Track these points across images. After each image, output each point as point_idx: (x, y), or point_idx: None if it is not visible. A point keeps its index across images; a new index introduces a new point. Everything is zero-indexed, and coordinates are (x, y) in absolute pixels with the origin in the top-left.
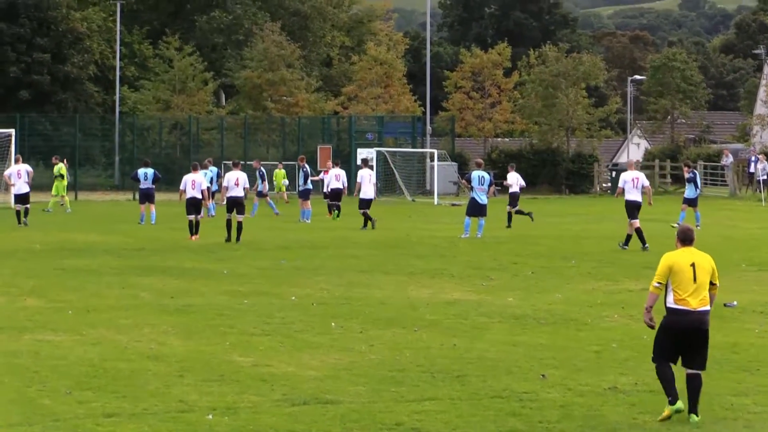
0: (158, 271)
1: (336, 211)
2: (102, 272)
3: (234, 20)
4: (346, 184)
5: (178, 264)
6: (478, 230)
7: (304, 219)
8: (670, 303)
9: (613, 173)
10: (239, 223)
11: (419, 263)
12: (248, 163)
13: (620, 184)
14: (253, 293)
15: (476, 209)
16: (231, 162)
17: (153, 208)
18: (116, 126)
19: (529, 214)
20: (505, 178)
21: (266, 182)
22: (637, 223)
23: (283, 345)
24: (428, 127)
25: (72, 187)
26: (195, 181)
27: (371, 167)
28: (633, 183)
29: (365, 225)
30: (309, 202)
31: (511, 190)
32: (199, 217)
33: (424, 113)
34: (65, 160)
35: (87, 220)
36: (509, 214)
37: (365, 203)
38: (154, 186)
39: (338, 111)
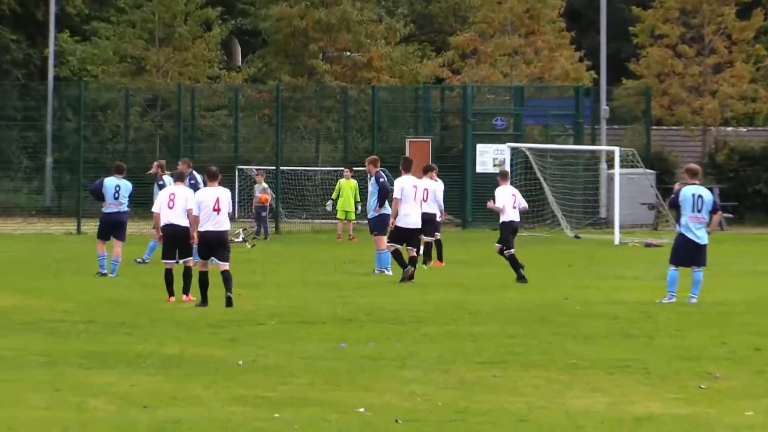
0: (122, 359)
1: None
2: (23, 363)
3: None
4: (442, 206)
5: (157, 347)
6: (692, 289)
7: (382, 268)
8: None
9: None
10: (225, 273)
11: (586, 349)
12: (282, 169)
13: None
14: (290, 401)
15: (689, 253)
16: (253, 169)
17: (120, 248)
18: (48, 101)
19: None
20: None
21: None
22: None
23: None
24: (603, 107)
25: None
26: (175, 198)
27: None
28: None
29: (521, 277)
30: (384, 238)
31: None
32: (188, 261)
33: (596, 82)
34: None
35: None
36: None
37: (509, 236)
38: (128, 210)
39: (443, 77)
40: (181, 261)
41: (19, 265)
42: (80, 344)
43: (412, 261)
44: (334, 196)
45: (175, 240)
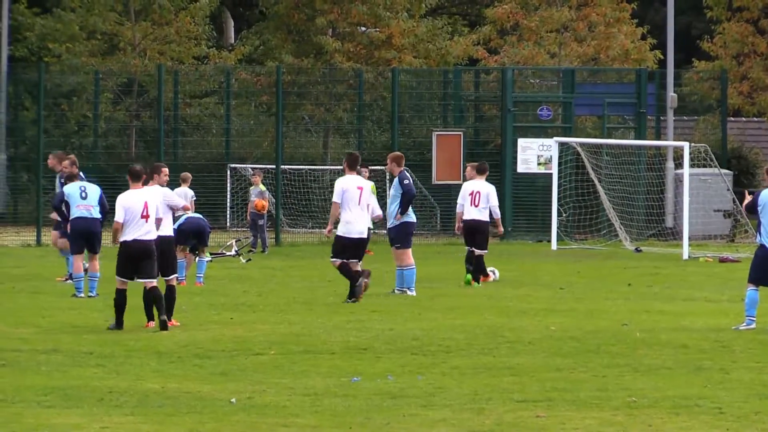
0: (90, 396)
1: (468, 269)
2: None
3: None
4: (497, 213)
5: (133, 382)
6: None
7: (404, 287)
8: None
9: None
10: (153, 291)
11: (647, 384)
12: (284, 168)
13: None
14: None
15: None
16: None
17: (97, 261)
18: (1, 87)
19: None
20: None
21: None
22: None
23: None
24: (670, 95)
25: None
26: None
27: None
28: None
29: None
30: (410, 251)
31: None
32: (171, 279)
33: (662, 64)
34: None
35: None
36: None
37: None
38: (100, 217)
39: (477, 58)
40: (164, 278)
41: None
42: (40, 378)
43: (356, 276)
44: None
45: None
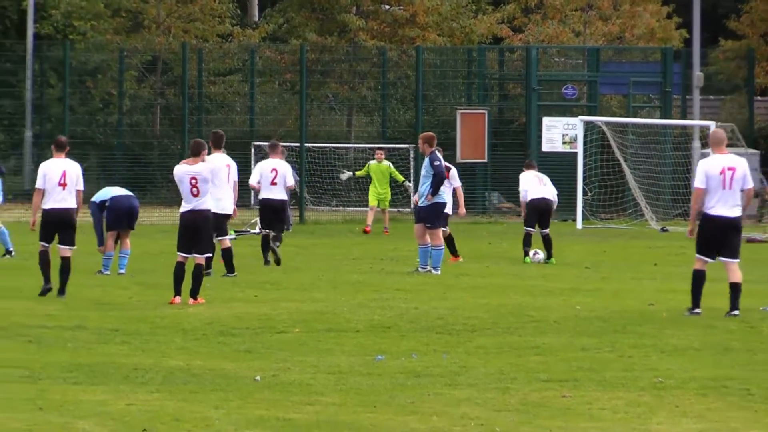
0: (116, 374)
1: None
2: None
3: None
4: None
5: (158, 359)
6: None
7: (429, 267)
8: None
9: None
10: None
11: (674, 365)
12: (308, 146)
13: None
14: (317, 425)
15: None
16: (267, 143)
17: (128, 241)
18: (28, 64)
19: None
20: None
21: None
22: None
23: None
24: (696, 73)
25: None
26: (198, 179)
27: None
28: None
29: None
30: (440, 232)
31: None
32: (200, 258)
33: (688, 43)
34: None
35: None
36: None
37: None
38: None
39: (502, 36)
40: (197, 256)
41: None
42: (66, 355)
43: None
44: (359, 173)
45: (193, 228)
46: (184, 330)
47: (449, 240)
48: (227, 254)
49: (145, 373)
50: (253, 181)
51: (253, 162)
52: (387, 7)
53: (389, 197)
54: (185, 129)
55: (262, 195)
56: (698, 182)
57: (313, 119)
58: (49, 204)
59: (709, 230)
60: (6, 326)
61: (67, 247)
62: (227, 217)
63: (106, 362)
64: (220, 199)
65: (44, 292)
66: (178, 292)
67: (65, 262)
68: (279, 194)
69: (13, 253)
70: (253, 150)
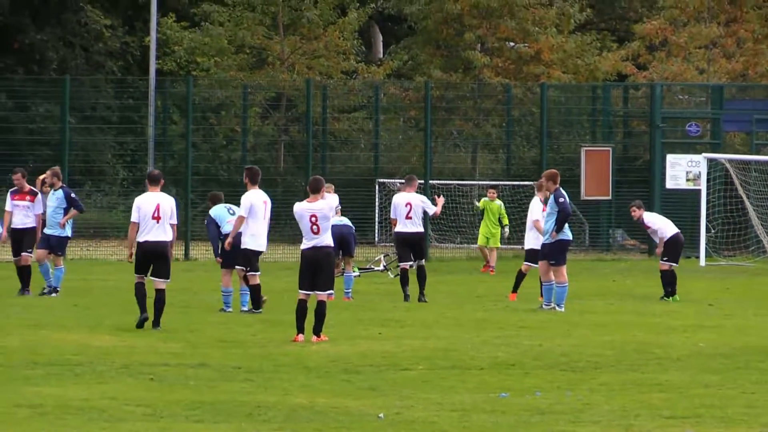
0: (238, 411)
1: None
2: (121, 415)
3: None
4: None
5: (281, 397)
6: None
7: (553, 304)
8: None
9: None
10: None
11: None
12: (432, 183)
13: None
14: None
15: None
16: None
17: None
18: (150, 100)
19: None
20: None
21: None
22: None
23: None
24: None
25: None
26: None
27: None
28: None
29: (406, 296)
30: (564, 269)
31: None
32: (321, 295)
33: None
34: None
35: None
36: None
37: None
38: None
39: (626, 73)
40: (319, 293)
41: (117, 298)
42: (189, 393)
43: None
44: (479, 204)
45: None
46: (308, 368)
47: (520, 276)
48: (255, 290)
49: (268, 410)
50: (392, 214)
51: (377, 199)
52: (512, 44)
53: (498, 235)
54: (309, 166)
55: (398, 229)
56: None
57: (438, 156)
58: (143, 237)
59: None
60: (128, 364)
61: (162, 279)
62: (260, 253)
63: (228, 400)
64: (255, 234)
65: (141, 322)
66: (301, 330)
67: (160, 294)
68: (415, 227)
69: (58, 292)
70: (377, 187)
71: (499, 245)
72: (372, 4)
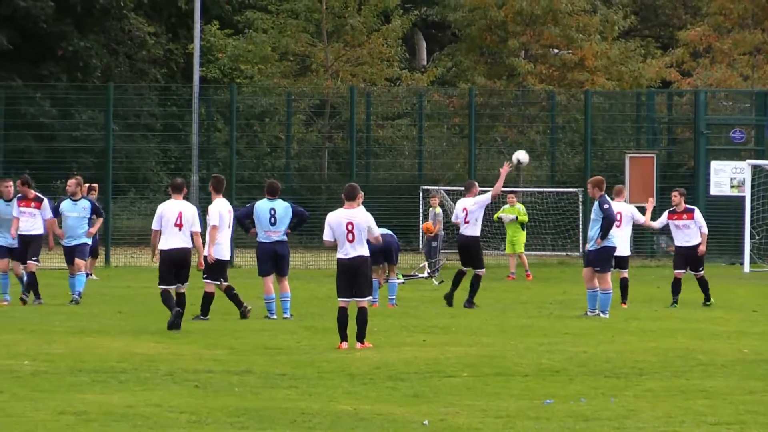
0: (283, 418)
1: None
2: (166, 422)
3: None
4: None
5: (326, 404)
6: None
7: (598, 311)
8: None
9: None
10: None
11: None
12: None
13: None
14: None
15: None
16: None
17: (286, 283)
18: (194, 108)
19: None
20: None
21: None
22: None
23: None
24: None
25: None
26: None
27: None
28: None
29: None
30: (609, 276)
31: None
32: (362, 301)
33: None
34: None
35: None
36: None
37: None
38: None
39: (670, 80)
40: (359, 300)
41: (161, 305)
42: (233, 400)
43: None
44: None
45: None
46: (352, 374)
47: (624, 285)
48: (208, 298)
49: (312, 417)
50: (453, 219)
51: (421, 206)
52: (556, 51)
53: (522, 240)
54: (353, 173)
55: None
56: None
57: (482, 163)
58: (166, 244)
59: None
60: (173, 371)
61: (182, 284)
62: (226, 262)
63: (272, 407)
64: (221, 244)
65: (174, 318)
66: (344, 338)
67: (180, 297)
68: (471, 232)
69: (79, 300)
70: (421, 194)
71: (523, 250)
72: (416, 11)
